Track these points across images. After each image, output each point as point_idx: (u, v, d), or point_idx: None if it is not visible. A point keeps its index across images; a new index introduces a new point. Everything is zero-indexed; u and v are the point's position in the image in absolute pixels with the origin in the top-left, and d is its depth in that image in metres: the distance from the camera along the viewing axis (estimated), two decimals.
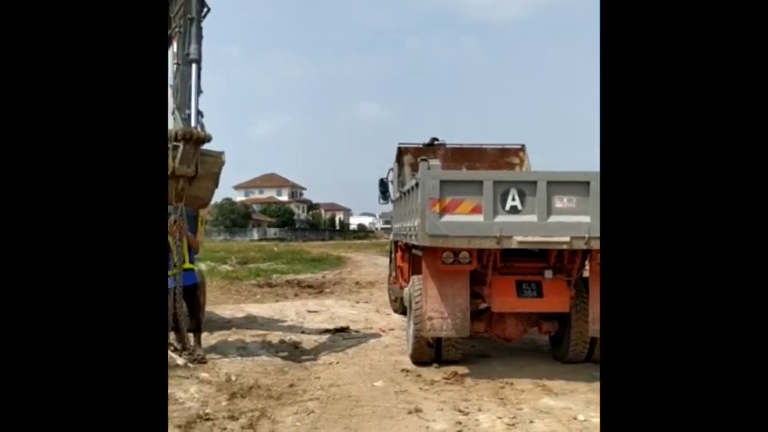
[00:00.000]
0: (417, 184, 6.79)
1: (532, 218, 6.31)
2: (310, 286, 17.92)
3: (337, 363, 7.62)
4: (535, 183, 6.35)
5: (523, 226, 6.29)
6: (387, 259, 14.23)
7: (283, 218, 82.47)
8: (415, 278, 7.50)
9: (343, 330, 9.96)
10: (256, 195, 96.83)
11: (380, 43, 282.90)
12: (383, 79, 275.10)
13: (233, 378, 6.68)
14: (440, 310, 6.82)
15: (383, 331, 9.95)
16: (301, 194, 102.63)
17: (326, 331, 9.95)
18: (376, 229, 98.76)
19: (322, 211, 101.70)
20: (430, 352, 7.27)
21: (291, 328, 10.29)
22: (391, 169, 11.38)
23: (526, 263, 7.00)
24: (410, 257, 8.88)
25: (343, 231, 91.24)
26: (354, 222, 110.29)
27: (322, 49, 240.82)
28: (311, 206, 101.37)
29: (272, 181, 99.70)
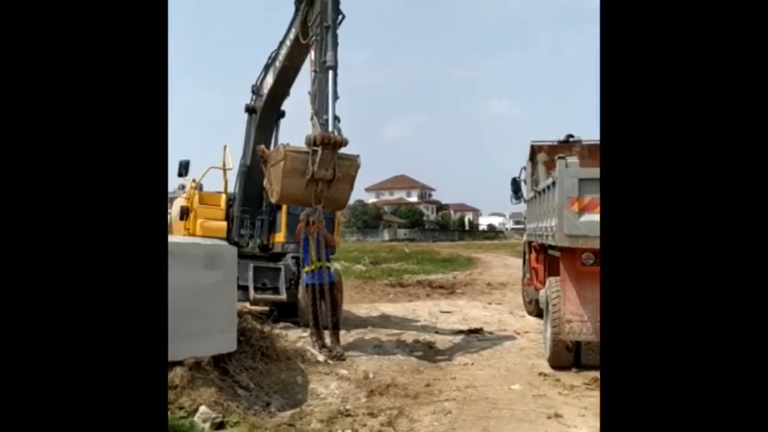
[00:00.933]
0: (554, 183, 6.61)
1: None
2: (441, 287, 17.96)
3: (472, 364, 7.58)
4: None
5: None
6: (518, 260, 14.00)
7: (412, 219, 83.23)
8: (552, 280, 7.31)
9: (476, 331, 9.90)
10: (386, 196, 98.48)
11: (511, 39, 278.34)
12: (514, 75, 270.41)
13: (371, 376, 6.83)
14: (579, 313, 6.60)
15: (518, 333, 9.77)
16: (430, 195, 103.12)
17: (460, 331, 9.93)
18: (506, 229, 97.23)
19: (452, 212, 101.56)
20: (568, 356, 7.05)
21: (424, 328, 10.36)
22: (524, 168, 11.15)
23: None
24: (546, 258, 8.66)
25: (472, 231, 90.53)
26: (483, 222, 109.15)
27: (452, 48, 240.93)
28: (440, 207, 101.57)
29: (402, 182, 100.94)
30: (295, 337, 8.40)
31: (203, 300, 5.41)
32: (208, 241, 6.65)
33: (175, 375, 4.96)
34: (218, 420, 4.77)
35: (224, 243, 7.30)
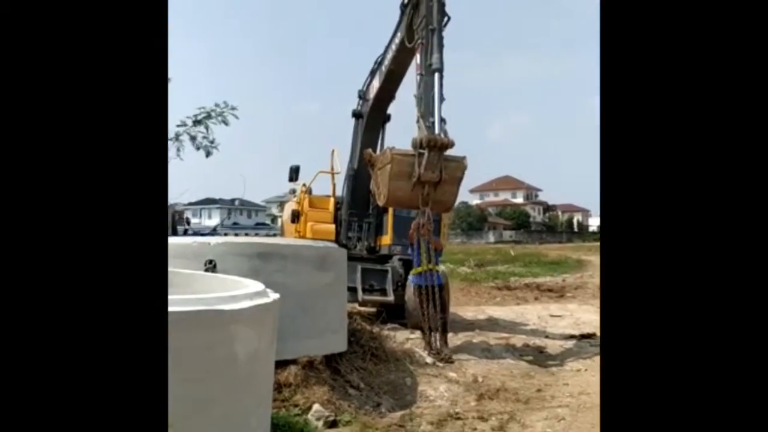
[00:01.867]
0: None
1: None
2: (550, 290, 17.53)
3: (586, 370, 7.33)
4: None
5: None
6: None
7: (518, 221, 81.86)
8: None
9: (589, 336, 9.57)
10: (491, 198, 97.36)
11: None
12: None
13: (480, 379, 6.76)
14: None
15: None
16: (536, 196, 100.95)
17: (571, 336, 9.65)
18: None
19: (559, 213, 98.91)
20: None
21: (534, 332, 10.15)
22: None
23: None
24: None
25: (581, 233, 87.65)
26: (593, 223, 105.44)
27: (559, 46, 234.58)
28: (547, 208, 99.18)
29: (507, 183, 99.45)
30: (402, 338, 8.44)
31: (315, 300, 5.55)
32: (320, 243, 6.83)
33: (290, 373, 5.14)
34: (331, 418, 4.88)
35: (334, 245, 7.47)
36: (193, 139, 7.62)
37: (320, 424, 4.83)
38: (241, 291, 3.41)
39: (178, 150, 7.65)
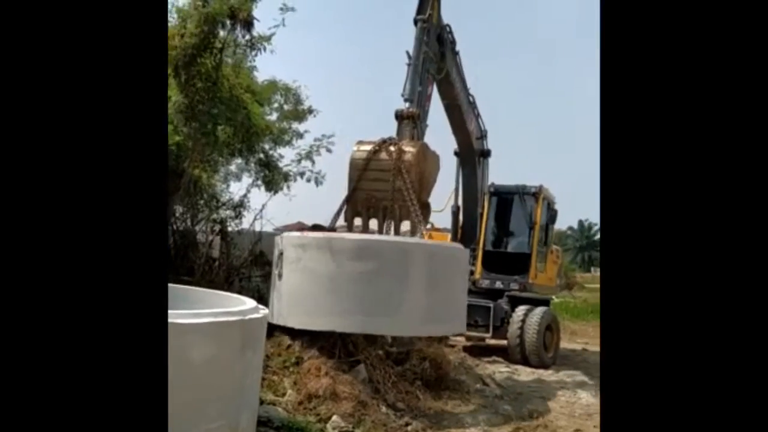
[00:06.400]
0: None
1: None
2: None
3: None
4: None
5: None
6: None
7: None
8: None
9: None
10: None
11: None
12: None
13: (535, 415, 6.91)
14: None
15: None
16: None
17: None
18: None
19: None
20: None
21: None
22: None
23: None
24: None
25: None
26: None
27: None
28: None
29: None
30: (491, 371, 8.79)
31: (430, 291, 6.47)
32: (445, 243, 7.52)
33: (320, 386, 5.89)
34: (346, 429, 5.55)
35: (457, 245, 7.96)
36: (301, 175, 8.75)
37: None
38: (219, 309, 4.34)
39: (288, 187, 8.81)
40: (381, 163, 7.06)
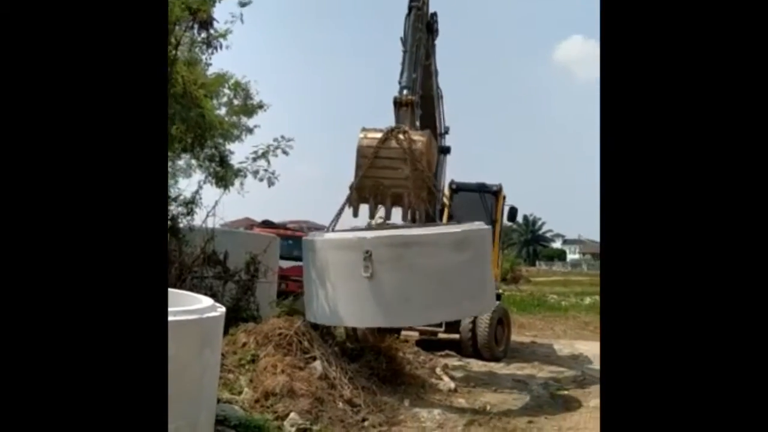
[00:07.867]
0: None
1: None
2: None
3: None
4: None
5: None
6: None
7: None
8: None
9: None
10: None
11: None
12: None
13: (488, 408, 7.06)
14: None
15: None
16: None
17: None
18: None
19: None
20: None
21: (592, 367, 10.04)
22: None
23: None
24: None
25: None
26: None
27: None
28: None
29: None
30: (444, 364, 8.92)
31: (451, 276, 6.64)
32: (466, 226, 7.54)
33: (277, 383, 5.87)
34: (303, 427, 5.56)
35: (478, 224, 7.66)
36: (255, 173, 8.64)
37: (293, 430, 5.52)
38: (177, 308, 4.27)
39: (241, 185, 8.69)
40: (390, 150, 7.11)
